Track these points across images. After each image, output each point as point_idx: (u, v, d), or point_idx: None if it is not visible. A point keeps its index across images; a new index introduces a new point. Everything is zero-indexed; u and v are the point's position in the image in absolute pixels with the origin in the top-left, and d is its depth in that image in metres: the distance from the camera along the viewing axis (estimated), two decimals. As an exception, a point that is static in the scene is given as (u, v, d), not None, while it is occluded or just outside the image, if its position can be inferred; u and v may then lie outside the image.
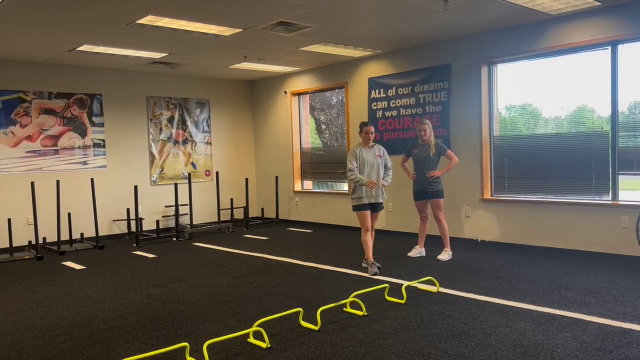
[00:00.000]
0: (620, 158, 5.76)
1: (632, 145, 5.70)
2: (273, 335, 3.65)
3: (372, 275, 5.31)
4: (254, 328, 3.56)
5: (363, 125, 5.63)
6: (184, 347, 3.29)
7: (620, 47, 5.68)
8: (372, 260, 5.45)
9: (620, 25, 5.59)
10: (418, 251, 6.24)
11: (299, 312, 3.92)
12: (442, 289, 4.69)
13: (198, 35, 6.29)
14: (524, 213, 6.48)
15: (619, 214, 5.70)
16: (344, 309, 4.18)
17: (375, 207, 5.64)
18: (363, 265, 5.70)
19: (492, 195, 6.87)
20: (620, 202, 5.74)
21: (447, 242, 6.08)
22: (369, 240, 5.54)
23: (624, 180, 5.78)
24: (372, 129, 5.61)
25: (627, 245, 5.64)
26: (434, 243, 6.44)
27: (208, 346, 3.31)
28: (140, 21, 5.61)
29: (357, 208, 5.56)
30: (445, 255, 6.00)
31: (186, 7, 5.21)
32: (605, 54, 5.80)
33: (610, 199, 5.84)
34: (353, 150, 5.61)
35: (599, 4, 5.51)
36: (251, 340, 3.55)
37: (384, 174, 5.68)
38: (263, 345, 3.45)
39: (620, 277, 4.93)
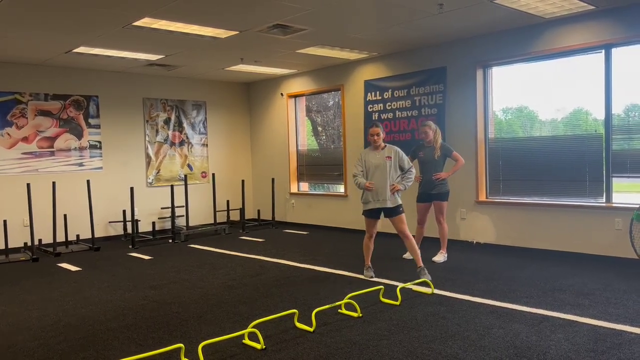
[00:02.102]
0: (614, 160, 5.80)
1: (626, 148, 5.74)
2: (268, 336, 3.67)
3: (368, 278, 5.32)
4: (249, 329, 3.58)
5: (369, 126, 5.35)
6: (179, 349, 3.30)
7: (613, 50, 5.73)
8: (369, 264, 5.43)
9: (614, 28, 5.63)
10: (413, 253, 6.25)
11: (294, 313, 3.94)
12: (436, 291, 4.71)
13: (194, 37, 6.30)
14: (518, 215, 6.51)
15: (612, 217, 5.73)
16: (339, 310, 4.19)
17: (387, 212, 5.23)
18: (365, 273, 5.40)
19: (487, 198, 6.90)
20: (614, 205, 5.78)
21: (445, 244, 6.10)
22: (370, 245, 5.39)
23: (617, 182, 5.82)
24: (377, 130, 5.21)
25: (620, 248, 5.68)
26: (430, 245, 6.46)
27: (203, 347, 3.32)
28: (136, 23, 5.62)
29: (364, 213, 5.35)
30: (441, 257, 6.03)
31: (182, 10, 5.23)
32: (599, 57, 5.84)
33: (604, 201, 5.88)
34: (359, 154, 5.40)
35: (592, 7, 5.55)
36: (246, 341, 3.56)
37: (400, 176, 5.26)
38: (258, 346, 3.46)
39: (614, 279, 4.96)
